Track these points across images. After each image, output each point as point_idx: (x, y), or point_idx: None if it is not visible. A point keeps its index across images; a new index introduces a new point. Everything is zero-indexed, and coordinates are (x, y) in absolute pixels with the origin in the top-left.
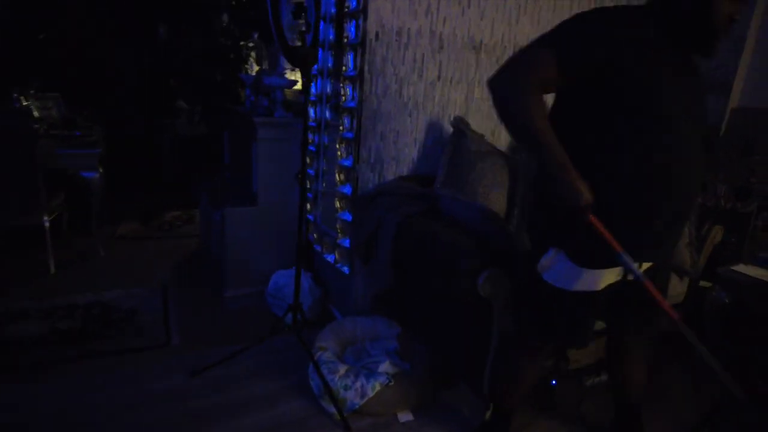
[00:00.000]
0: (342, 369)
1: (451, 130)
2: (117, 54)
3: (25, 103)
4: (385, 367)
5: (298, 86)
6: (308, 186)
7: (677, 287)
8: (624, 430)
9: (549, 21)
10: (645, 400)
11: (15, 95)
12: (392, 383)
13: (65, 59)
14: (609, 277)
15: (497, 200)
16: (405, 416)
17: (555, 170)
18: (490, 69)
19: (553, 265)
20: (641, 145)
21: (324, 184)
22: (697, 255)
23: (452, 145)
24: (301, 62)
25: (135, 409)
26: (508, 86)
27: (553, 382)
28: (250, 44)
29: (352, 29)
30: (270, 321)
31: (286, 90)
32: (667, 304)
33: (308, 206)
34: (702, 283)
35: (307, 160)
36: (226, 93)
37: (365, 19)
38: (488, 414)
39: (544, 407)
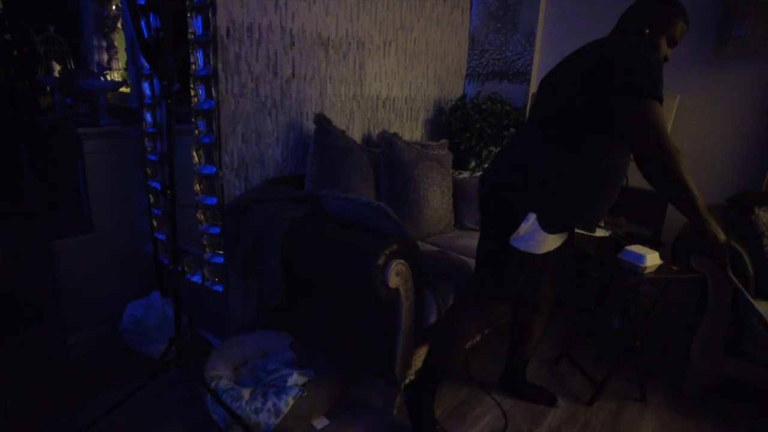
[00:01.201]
0: (246, 393)
1: (310, 127)
2: None
3: None
4: (294, 379)
5: (125, 88)
6: (152, 200)
7: None
8: (513, 381)
9: (384, 16)
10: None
11: None
12: (305, 394)
13: None
14: (559, 240)
15: (368, 193)
16: (321, 422)
17: (703, 218)
18: (338, 65)
19: (526, 232)
20: (621, 153)
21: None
22: None
23: (318, 143)
24: (160, 61)
25: None
26: (663, 155)
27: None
28: (43, 40)
29: (199, 25)
30: (133, 361)
31: (108, 94)
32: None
33: (154, 223)
34: None
35: (148, 172)
36: (16, 99)
37: (214, 13)
38: (398, 401)
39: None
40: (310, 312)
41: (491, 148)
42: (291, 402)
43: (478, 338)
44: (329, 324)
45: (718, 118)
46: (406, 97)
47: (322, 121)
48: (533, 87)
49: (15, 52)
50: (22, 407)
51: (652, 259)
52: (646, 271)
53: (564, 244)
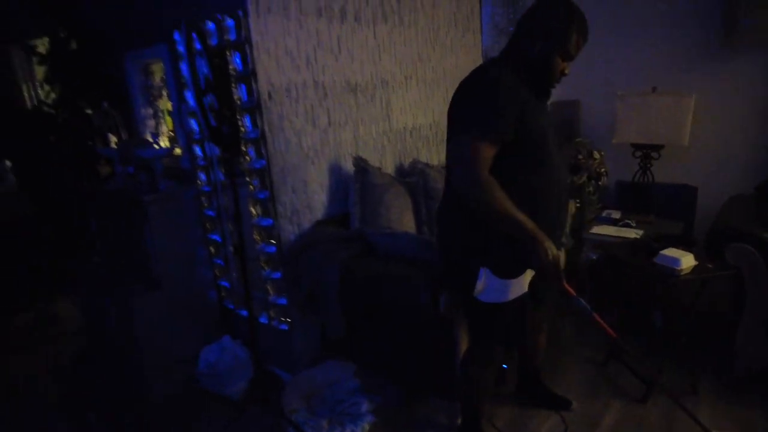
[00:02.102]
0: (324, 423)
1: (349, 168)
2: None
3: None
4: (367, 406)
5: (177, 151)
6: (213, 251)
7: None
8: (530, 388)
9: (403, 53)
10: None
11: None
12: (377, 419)
13: None
14: (527, 278)
15: (409, 223)
16: None
17: (530, 237)
18: (367, 106)
19: (486, 287)
20: (540, 174)
21: (231, 248)
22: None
23: (358, 183)
24: (226, 143)
25: None
26: (473, 187)
27: (504, 366)
28: (102, 115)
29: (244, 92)
30: (211, 403)
31: (163, 159)
32: (605, 325)
33: (217, 272)
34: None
35: (207, 226)
36: (80, 171)
37: (256, 80)
38: (460, 419)
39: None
40: (370, 342)
41: None
42: (367, 428)
43: None
44: (390, 351)
45: (737, 109)
46: (430, 124)
47: (359, 162)
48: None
49: (74, 128)
50: None
51: (687, 261)
52: (683, 273)
53: (539, 277)
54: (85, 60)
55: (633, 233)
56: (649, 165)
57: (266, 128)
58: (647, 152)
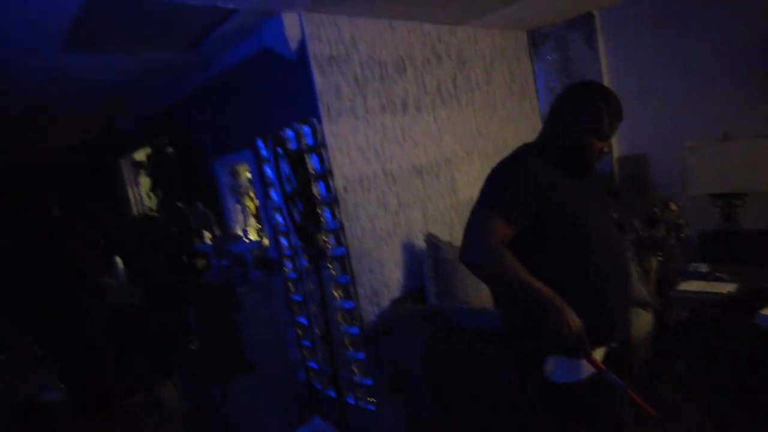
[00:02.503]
0: None
1: (420, 244)
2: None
3: None
4: None
5: (265, 242)
6: (300, 334)
7: (646, 319)
8: None
9: (463, 131)
10: None
11: None
12: None
13: None
14: (600, 355)
15: (486, 295)
16: None
17: (548, 306)
18: (433, 185)
19: (556, 367)
20: (575, 254)
21: (317, 330)
22: (648, 286)
23: (431, 259)
24: (311, 238)
25: None
26: (481, 255)
27: None
28: (197, 215)
29: (323, 188)
30: None
31: (252, 251)
32: (641, 402)
33: (304, 354)
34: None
35: (294, 310)
36: (181, 267)
37: (332, 177)
38: None
39: None
40: (456, 422)
41: None
42: None
43: None
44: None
45: None
46: None
47: (430, 239)
48: (616, 152)
49: (174, 229)
50: None
51: None
52: None
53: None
54: (182, 167)
55: (726, 287)
56: (733, 213)
57: (343, 218)
58: (729, 200)
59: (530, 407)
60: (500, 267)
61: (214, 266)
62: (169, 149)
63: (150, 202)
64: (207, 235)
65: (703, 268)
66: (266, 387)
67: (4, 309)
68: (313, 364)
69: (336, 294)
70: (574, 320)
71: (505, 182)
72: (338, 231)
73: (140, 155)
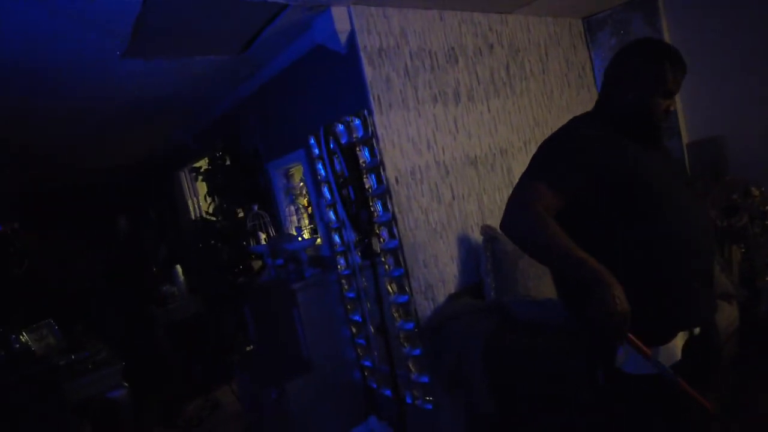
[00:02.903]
0: None
1: (477, 238)
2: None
3: (22, 340)
4: None
5: (318, 241)
6: (355, 332)
7: (730, 313)
8: None
9: (518, 121)
10: None
11: (12, 336)
12: None
13: (37, 284)
14: (678, 342)
15: (548, 288)
16: None
17: (593, 278)
18: (489, 176)
19: (629, 356)
20: (648, 228)
21: (372, 327)
22: (731, 277)
23: (489, 252)
24: (364, 228)
25: None
26: (522, 223)
27: None
28: (253, 217)
29: (374, 181)
30: None
31: (306, 249)
32: (697, 395)
33: (359, 352)
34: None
35: (348, 307)
36: (239, 268)
37: (384, 169)
38: None
39: None
40: (523, 420)
41: None
42: None
43: None
44: (546, 429)
45: None
46: None
47: (488, 231)
48: (685, 138)
49: (231, 232)
50: None
51: None
52: None
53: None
54: (238, 172)
55: None
56: None
57: (396, 210)
58: None
59: (600, 402)
60: (542, 235)
61: (269, 266)
62: (224, 156)
63: (207, 209)
64: (262, 236)
65: None
66: (322, 386)
67: (81, 317)
68: (367, 363)
69: (390, 288)
70: (622, 299)
71: (554, 150)
72: (391, 223)
73: (198, 165)
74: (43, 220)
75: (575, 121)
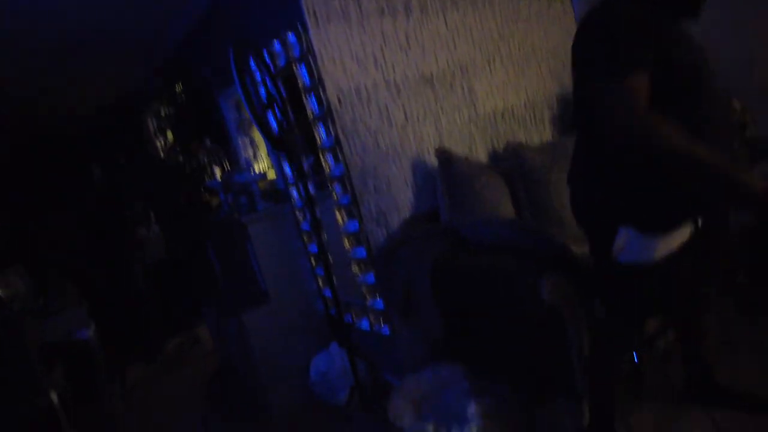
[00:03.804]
0: (430, 427)
1: (434, 161)
2: (58, 205)
3: None
4: (473, 409)
5: (271, 174)
6: (314, 263)
7: None
8: (699, 390)
9: (481, 35)
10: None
11: None
12: (486, 422)
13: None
14: (682, 235)
15: (507, 211)
16: None
17: (731, 179)
18: (448, 96)
19: (627, 245)
20: (697, 111)
21: (330, 257)
22: None
23: (444, 174)
24: (288, 147)
25: None
26: (637, 127)
27: (635, 358)
28: (205, 152)
29: (314, 102)
30: (326, 411)
31: (259, 182)
32: None
33: (320, 283)
34: None
35: (304, 239)
36: (198, 206)
37: (324, 90)
38: (587, 416)
39: (633, 387)
40: (476, 341)
41: None
42: (474, 431)
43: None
44: (498, 351)
45: None
46: (524, 103)
47: (442, 154)
48: None
49: (187, 169)
50: None
51: None
52: None
53: (701, 232)
54: (191, 107)
55: None
56: None
57: (340, 134)
58: None
59: (548, 317)
60: (668, 139)
61: (222, 201)
62: (180, 91)
63: (163, 146)
64: (218, 172)
65: None
66: (283, 317)
67: (56, 264)
68: (328, 293)
69: (339, 216)
70: (756, 182)
71: (616, 31)
72: (335, 148)
73: (159, 103)
74: (13, 169)
75: (613, 5)
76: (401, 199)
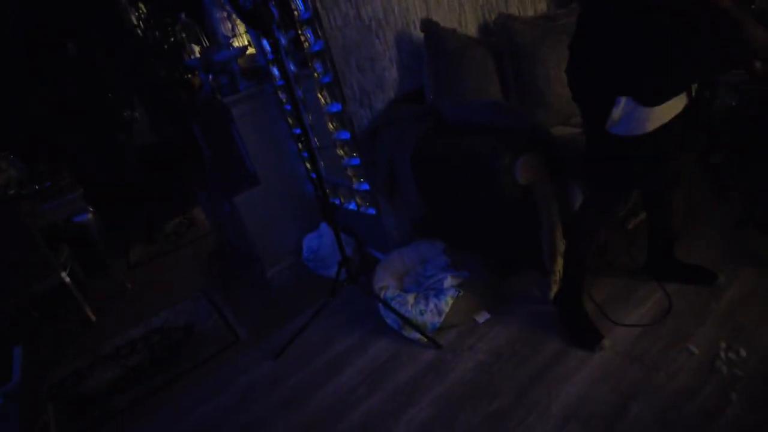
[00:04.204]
0: (410, 298)
1: (420, 36)
2: (38, 88)
3: None
4: (449, 281)
5: (251, 50)
6: (300, 146)
7: None
8: (659, 264)
9: None
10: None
11: None
12: (462, 293)
13: None
14: (676, 106)
15: (493, 90)
16: (483, 316)
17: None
18: None
19: (623, 116)
20: None
21: (316, 138)
22: None
23: (430, 49)
24: (261, 22)
25: (244, 404)
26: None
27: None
28: (180, 27)
29: None
30: (318, 284)
31: (239, 60)
32: None
33: (308, 165)
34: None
35: (289, 121)
36: (179, 86)
37: None
38: (553, 289)
39: (596, 263)
40: (455, 219)
41: None
42: (450, 302)
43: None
44: (475, 227)
45: None
46: None
47: (427, 26)
48: None
49: (165, 46)
50: (245, 327)
51: None
52: None
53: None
54: None
55: None
56: None
57: (318, 5)
58: None
59: (521, 196)
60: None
61: (204, 81)
62: None
63: (137, 23)
64: (196, 49)
65: None
66: (274, 199)
67: (45, 148)
68: (314, 175)
69: (321, 97)
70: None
71: None
72: (313, 21)
73: None
74: None
75: None
76: (387, 79)
